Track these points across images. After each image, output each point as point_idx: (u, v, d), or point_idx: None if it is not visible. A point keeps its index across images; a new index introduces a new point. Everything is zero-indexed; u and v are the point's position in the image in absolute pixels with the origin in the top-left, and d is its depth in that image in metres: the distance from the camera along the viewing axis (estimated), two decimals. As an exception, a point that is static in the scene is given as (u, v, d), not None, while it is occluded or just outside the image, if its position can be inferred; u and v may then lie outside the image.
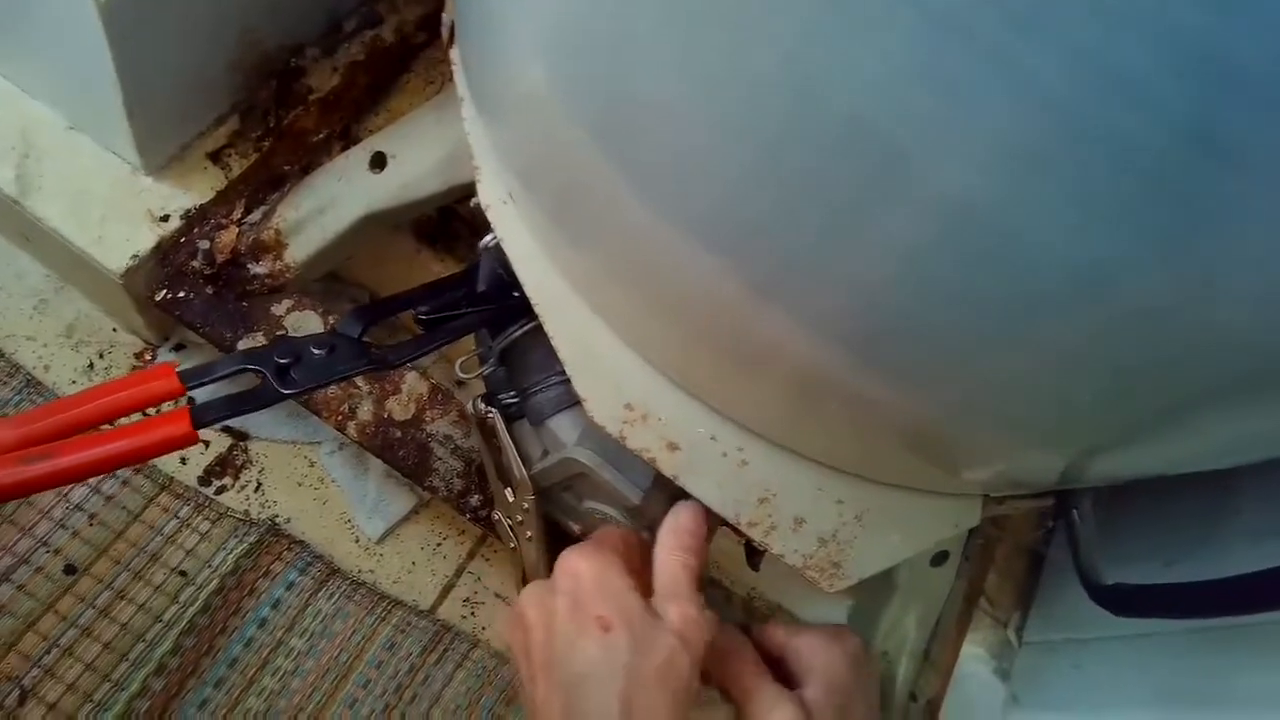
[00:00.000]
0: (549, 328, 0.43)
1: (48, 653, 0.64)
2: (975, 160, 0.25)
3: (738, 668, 0.43)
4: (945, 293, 0.30)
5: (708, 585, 0.64)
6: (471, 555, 0.76)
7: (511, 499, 0.54)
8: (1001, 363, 0.32)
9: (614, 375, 0.43)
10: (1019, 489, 0.42)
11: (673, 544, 0.44)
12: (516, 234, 0.43)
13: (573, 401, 0.50)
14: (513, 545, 0.56)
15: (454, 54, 0.47)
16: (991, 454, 0.40)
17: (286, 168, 0.68)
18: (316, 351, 0.44)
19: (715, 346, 0.40)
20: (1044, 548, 0.69)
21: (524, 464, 0.52)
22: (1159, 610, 0.41)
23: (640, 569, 0.43)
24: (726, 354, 0.39)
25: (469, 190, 0.58)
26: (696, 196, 0.33)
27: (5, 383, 0.70)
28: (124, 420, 0.42)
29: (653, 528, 0.46)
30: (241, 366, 0.43)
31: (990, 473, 0.41)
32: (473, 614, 0.74)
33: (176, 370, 0.43)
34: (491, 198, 0.44)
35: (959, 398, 0.35)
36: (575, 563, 0.42)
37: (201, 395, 0.46)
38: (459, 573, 0.75)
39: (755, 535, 0.42)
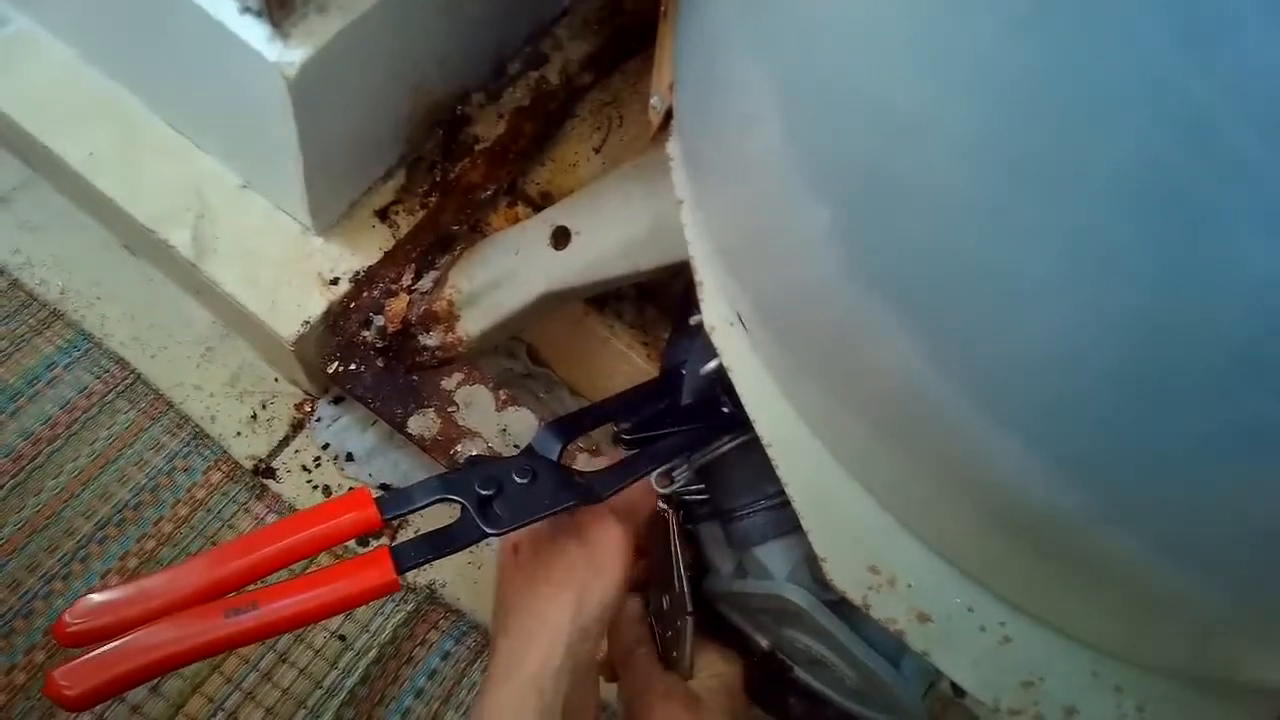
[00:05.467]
0: (782, 472, 0.38)
1: (213, 716, 0.64)
2: None
3: None
4: None
5: None
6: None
7: (666, 607, 0.49)
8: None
9: (857, 531, 0.37)
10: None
11: None
12: (746, 362, 0.39)
13: (783, 530, 0.45)
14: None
15: (672, 148, 0.42)
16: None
17: (455, 226, 0.65)
18: (519, 480, 0.41)
19: (985, 514, 0.34)
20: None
21: (710, 571, 0.48)
22: None
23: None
24: (998, 523, 0.34)
25: (656, 273, 0.54)
26: (1014, 383, 0.27)
27: (175, 434, 0.70)
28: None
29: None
30: (441, 497, 0.40)
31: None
32: (627, 691, 0.70)
33: (375, 499, 0.40)
34: (716, 319, 0.39)
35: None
36: None
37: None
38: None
39: (1017, 724, 0.37)
